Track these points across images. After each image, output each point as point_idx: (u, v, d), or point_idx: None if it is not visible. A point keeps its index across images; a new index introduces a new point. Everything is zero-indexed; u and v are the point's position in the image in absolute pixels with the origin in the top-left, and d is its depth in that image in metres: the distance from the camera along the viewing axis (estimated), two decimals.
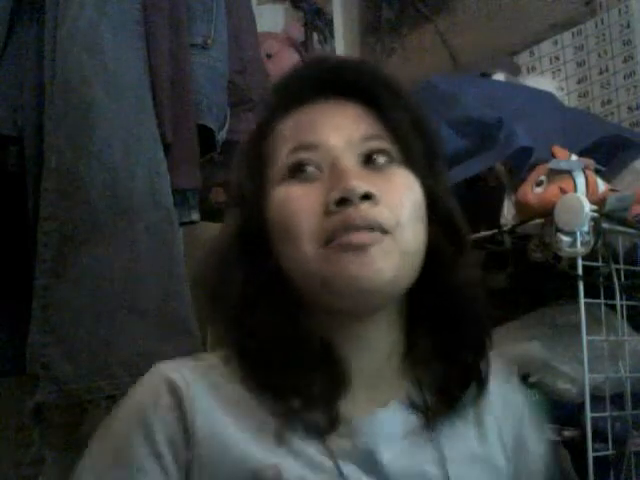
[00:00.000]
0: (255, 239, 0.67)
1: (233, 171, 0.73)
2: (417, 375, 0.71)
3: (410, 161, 0.68)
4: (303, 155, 0.67)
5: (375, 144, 0.67)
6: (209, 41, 1.33)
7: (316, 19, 2.22)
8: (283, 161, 0.67)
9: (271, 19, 2.15)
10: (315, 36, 2.22)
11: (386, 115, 0.68)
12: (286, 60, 1.87)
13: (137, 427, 0.63)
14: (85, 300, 1.11)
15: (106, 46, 1.17)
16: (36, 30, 1.21)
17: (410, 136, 0.68)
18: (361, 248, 0.62)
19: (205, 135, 1.31)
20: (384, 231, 0.63)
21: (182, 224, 1.31)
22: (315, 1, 2.24)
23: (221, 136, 1.36)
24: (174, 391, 0.63)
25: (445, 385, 0.69)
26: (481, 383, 0.70)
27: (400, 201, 0.65)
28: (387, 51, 2.19)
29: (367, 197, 0.63)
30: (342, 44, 2.31)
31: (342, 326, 0.66)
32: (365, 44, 2.28)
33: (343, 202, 0.63)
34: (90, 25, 1.17)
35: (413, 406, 0.69)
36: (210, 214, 1.43)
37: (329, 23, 2.29)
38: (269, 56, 1.82)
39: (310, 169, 0.66)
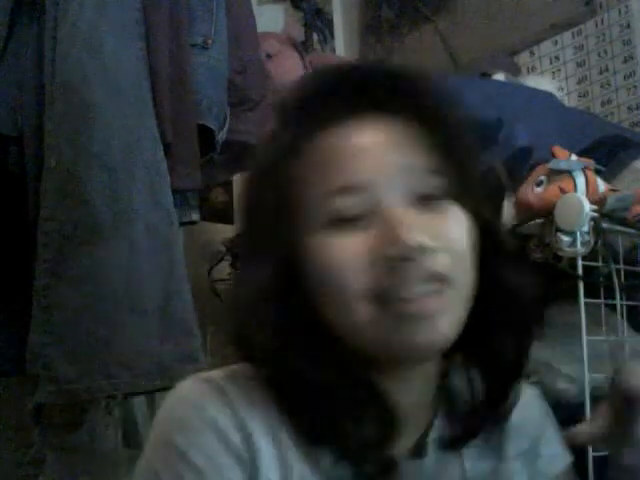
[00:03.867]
0: (288, 289, 0.60)
1: (252, 192, 0.63)
2: (446, 405, 0.68)
3: (463, 194, 0.61)
4: (346, 202, 0.58)
5: (428, 183, 0.60)
6: (209, 41, 1.33)
7: (316, 19, 2.21)
8: (321, 204, 0.59)
9: (271, 19, 2.14)
10: (315, 36, 2.21)
11: (440, 141, 0.61)
12: (286, 60, 1.87)
13: (219, 443, 0.57)
14: (85, 300, 1.11)
15: (106, 46, 1.17)
16: (36, 30, 1.21)
17: (466, 166, 0.62)
18: (420, 301, 0.57)
19: (205, 135, 1.31)
20: (444, 280, 0.58)
21: (182, 224, 1.31)
22: (315, 1, 2.24)
23: (221, 136, 1.36)
24: (246, 436, 0.58)
25: (474, 417, 0.67)
26: (505, 417, 0.67)
27: (458, 245, 0.60)
28: (387, 51, 2.19)
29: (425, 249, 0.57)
30: (342, 44, 2.31)
31: (388, 369, 0.62)
32: (365, 44, 2.28)
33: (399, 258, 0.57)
34: (90, 25, 1.17)
35: (446, 443, 0.66)
36: (210, 214, 1.44)
37: (329, 23, 2.29)
38: (269, 56, 1.82)
39: (354, 217, 0.58)
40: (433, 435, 0.66)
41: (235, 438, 0.58)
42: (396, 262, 0.57)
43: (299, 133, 0.61)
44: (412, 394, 0.64)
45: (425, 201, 0.60)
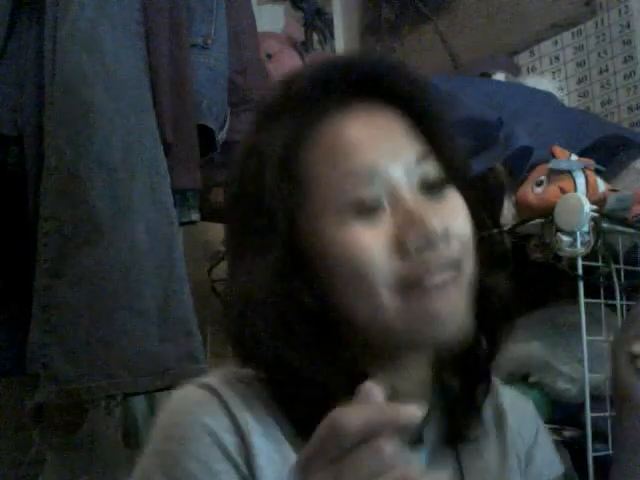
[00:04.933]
0: (298, 273, 0.62)
1: (256, 179, 0.64)
2: (440, 399, 0.69)
3: (454, 178, 0.64)
4: (363, 192, 0.60)
5: (429, 167, 0.63)
6: (209, 41, 1.33)
7: (316, 19, 2.22)
8: (335, 192, 0.61)
9: (271, 19, 2.14)
10: (315, 36, 2.22)
11: (429, 128, 0.64)
12: (286, 60, 1.87)
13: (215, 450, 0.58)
14: (85, 300, 1.11)
15: (106, 46, 1.17)
16: (36, 30, 1.21)
17: (453, 150, 0.65)
18: (442, 287, 0.59)
19: (205, 135, 1.31)
20: (458, 267, 0.61)
21: (182, 224, 1.31)
22: (315, 1, 2.24)
23: (221, 136, 1.36)
24: (241, 438, 0.59)
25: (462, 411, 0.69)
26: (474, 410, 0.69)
27: (466, 231, 0.63)
28: (387, 51, 2.19)
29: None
30: (342, 44, 2.30)
31: (384, 359, 0.64)
32: (365, 44, 2.28)
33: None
34: (90, 25, 1.17)
35: (442, 436, 0.68)
36: (210, 214, 1.43)
37: (329, 23, 2.29)
38: (269, 56, 1.82)
39: (372, 207, 0.61)
40: (429, 427, 0.67)
41: (230, 442, 0.58)
42: (420, 250, 0.59)
43: (302, 121, 0.63)
44: (409, 385, 0.65)
45: (427, 189, 0.62)
